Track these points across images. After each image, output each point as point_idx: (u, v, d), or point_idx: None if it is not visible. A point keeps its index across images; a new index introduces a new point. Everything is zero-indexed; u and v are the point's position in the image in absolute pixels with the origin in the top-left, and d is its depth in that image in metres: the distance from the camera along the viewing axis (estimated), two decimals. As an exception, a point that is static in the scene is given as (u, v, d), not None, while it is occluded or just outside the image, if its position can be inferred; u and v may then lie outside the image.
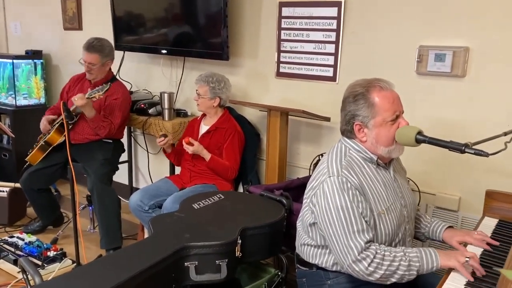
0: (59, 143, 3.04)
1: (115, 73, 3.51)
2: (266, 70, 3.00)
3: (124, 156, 3.50)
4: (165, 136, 2.84)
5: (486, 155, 1.40)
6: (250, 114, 3.09)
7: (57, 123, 3.08)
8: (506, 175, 2.22)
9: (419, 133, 1.53)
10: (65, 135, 2.82)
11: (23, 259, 1.67)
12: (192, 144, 2.70)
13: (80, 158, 3.00)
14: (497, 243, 1.61)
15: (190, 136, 2.81)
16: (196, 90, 2.85)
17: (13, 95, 4.07)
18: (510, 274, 0.49)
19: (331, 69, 2.71)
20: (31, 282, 1.60)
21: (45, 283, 1.50)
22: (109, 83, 2.92)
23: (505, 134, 1.63)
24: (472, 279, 1.39)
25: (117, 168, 3.23)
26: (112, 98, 3.01)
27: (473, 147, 1.43)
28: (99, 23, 3.82)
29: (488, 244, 1.61)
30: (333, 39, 2.66)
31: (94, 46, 3.00)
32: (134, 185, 3.90)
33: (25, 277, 1.67)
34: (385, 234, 1.58)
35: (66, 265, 2.76)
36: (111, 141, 3.12)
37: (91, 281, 1.47)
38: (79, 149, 3.00)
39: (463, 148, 1.43)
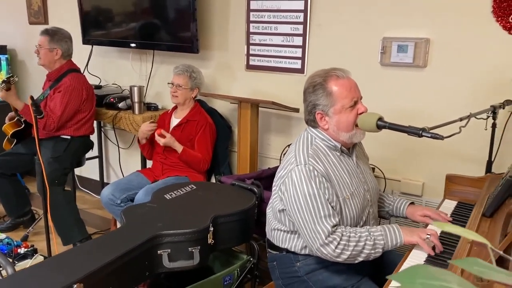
0: (15, 132, 3.14)
1: (82, 68, 3.47)
2: (236, 63, 3.04)
3: (94, 151, 3.47)
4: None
5: (441, 138, 1.48)
6: (221, 107, 3.12)
7: (17, 117, 3.14)
8: (464, 160, 2.34)
9: (380, 119, 1.60)
10: (19, 128, 3.15)
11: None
12: (164, 136, 2.71)
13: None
14: (450, 220, 1.72)
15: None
16: (171, 83, 2.84)
17: (-23, 92, 3.96)
18: (441, 225, 0.55)
19: (299, 61, 2.77)
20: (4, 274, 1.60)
21: (17, 273, 1.50)
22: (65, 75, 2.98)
23: (461, 119, 1.73)
24: (432, 253, 1.48)
25: (70, 167, 3.11)
26: (57, 90, 2.97)
27: (430, 131, 1.51)
28: (66, 17, 3.76)
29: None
30: (301, 31, 2.72)
31: (47, 30, 3.01)
32: (105, 180, 3.88)
33: (-4, 270, 1.66)
34: (350, 217, 1.65)
35: (37, 261, 2.71)
36: (68, 137, 3.03)
37: (63, 270, 1.48)
38: (40, 145, 2.97)
39: (421, 132, 1.51)
